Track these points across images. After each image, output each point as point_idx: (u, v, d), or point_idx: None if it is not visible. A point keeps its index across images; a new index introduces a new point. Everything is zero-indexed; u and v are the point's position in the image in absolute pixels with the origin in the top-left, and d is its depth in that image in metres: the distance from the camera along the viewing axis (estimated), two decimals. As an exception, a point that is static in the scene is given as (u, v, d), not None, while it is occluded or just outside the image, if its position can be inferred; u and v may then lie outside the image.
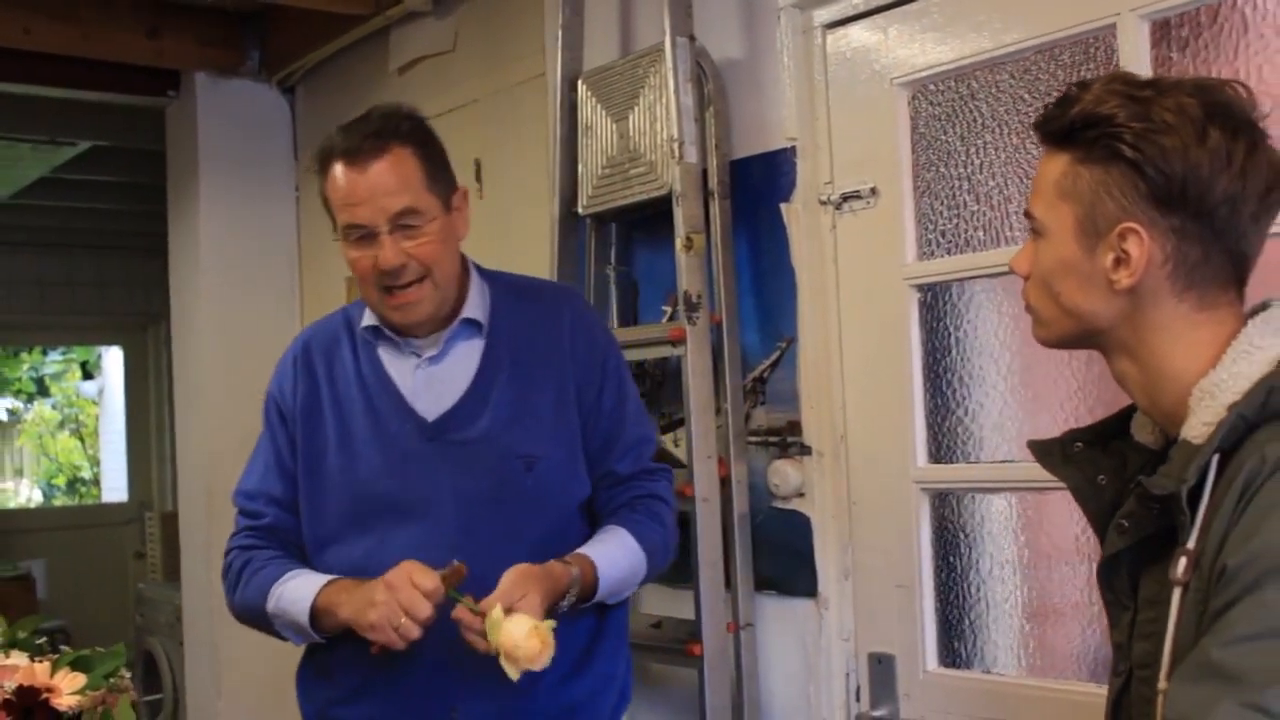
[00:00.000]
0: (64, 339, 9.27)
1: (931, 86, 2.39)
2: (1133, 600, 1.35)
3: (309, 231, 4.36)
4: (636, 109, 2.72)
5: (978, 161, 2.32)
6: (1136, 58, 2.05)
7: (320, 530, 2.11)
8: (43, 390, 10.01)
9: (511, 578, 1.89)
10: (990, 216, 2.30)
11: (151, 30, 3.98)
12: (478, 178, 3.46)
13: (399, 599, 1.85)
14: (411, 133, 2.03)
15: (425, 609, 1.85)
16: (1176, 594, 1.23)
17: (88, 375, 9.78)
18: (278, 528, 2.14)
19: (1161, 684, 1.23)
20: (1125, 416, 1.45)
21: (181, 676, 4.93)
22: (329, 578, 2.04)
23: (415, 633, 1.86)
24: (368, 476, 2.07)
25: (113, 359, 9.08)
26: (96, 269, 7.96)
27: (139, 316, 8.15)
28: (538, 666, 1.82)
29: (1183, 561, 1.23)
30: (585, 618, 2.09)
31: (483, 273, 2.19)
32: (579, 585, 1.99)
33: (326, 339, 2.20)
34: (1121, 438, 1.44)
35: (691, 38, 2.62)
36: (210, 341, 4.28)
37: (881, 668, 2.45)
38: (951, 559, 2.41)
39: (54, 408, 10.18)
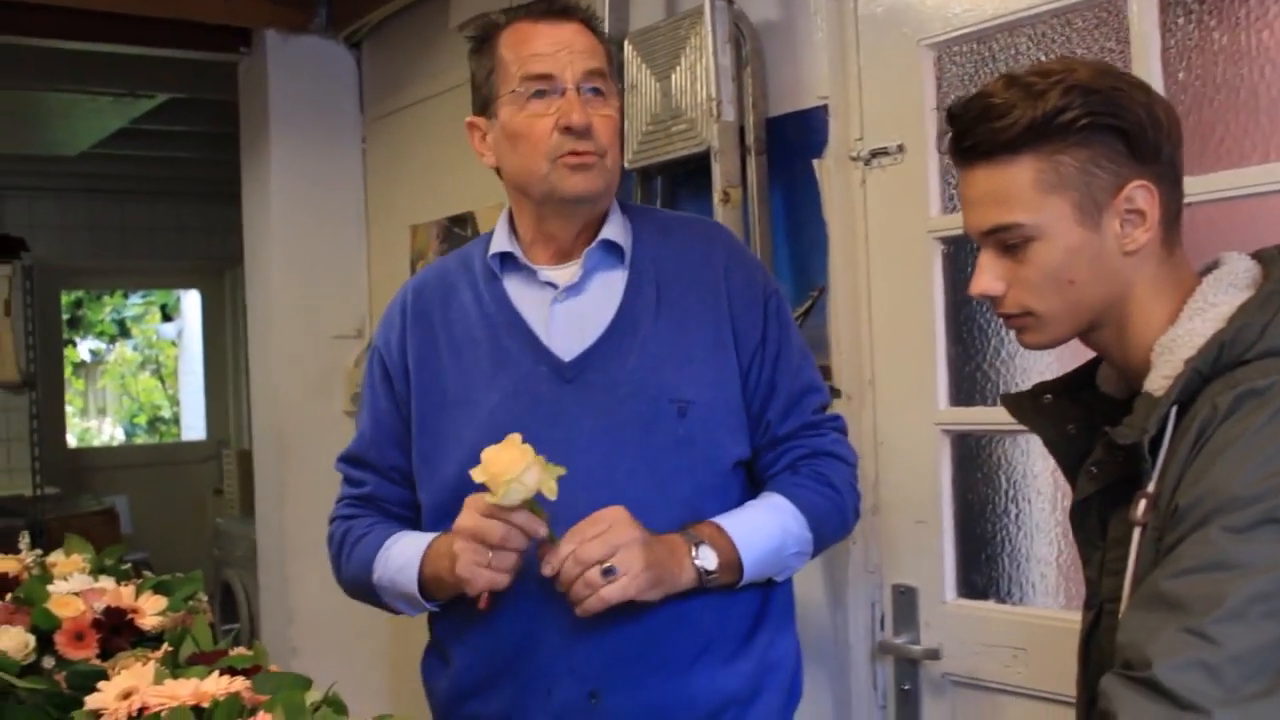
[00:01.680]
0: (144, 283, 9.56)
1: (955, 48, 2.50)
2: (1102, 540, 1.45)
3: (374, 182, 4.53)
4: (679, 68, 2.85)
5: (997, 121, 2.43)
6: (1145, 22, 2.15)
7: (440, 495, 1.89)
8: (124, 332, 10.30)
9: (596, 519, 1.70)
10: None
11: (225, -10, 4.16)
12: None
13: (472, 533, 1.69)
14: (594, 23, 1.94)
15: (495, 530, 1.66)
16: (1136, 533, 1.34)
17: (167, 318, 10.05)
18: (376, 497, 1.99)
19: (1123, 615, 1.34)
20: (1091, 369, 1.56)
21: (257, 607, 5.17)
22: (431, 536, 1.86)
23: (508, 561, 1.69)
24: (495, 424, 1.77)
25: (191, 302, 9.35)
26: (175, 215, 8.23)
27: (216, 261, 8.41)
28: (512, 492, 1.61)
29: (1142, 503, 1.34)
30: (743, 595, 1.87)
31: (621, 203, 2.01)
32: (712, 559, 1.77)
33: (441, 281, 2.00)
34: (1088, 388, 1.54)
35: (730, 1, 2.75)
36: (281, 286, 4.47)
37: (904, 598, 2.60)
38: (970, 497, 2.55)
39: (135, 349, 10.48)
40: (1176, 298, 1.41)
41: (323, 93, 4.46)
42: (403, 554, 1.89)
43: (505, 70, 1.86)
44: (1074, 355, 1.65)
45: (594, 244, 1.91)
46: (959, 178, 1.45)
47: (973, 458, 2.57)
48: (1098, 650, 1.45)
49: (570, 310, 1.90)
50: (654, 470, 1.83)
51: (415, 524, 1.97)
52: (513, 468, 1.61)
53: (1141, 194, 1.38)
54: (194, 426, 9.37)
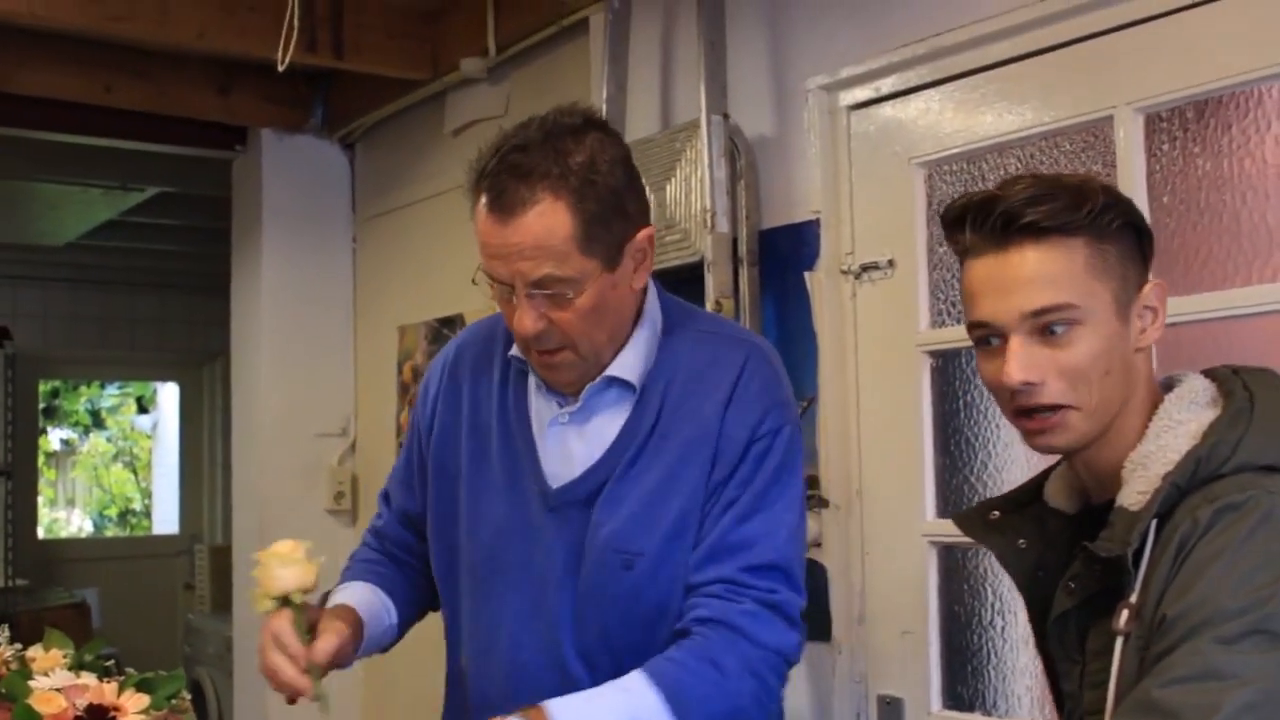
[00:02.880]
0: (122, 374, 9.53)
1: (946, 167, 2.57)
2: (1081, 653, 1.47)
3: (364, 282, 4.58)
4: (674, 180, 2.92)
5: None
6: (1131, 147, 2.22)
7: (440, 568, 1.91)
8: (98, 423, 10.27)
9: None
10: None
11: (222, 89, 4.23)
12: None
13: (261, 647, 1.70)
14: (573, 173, 1.64)
15: (267, 655, 1.67)
16: (1119, 643, 1.37)
17: (143, 410, 10.03)
18: (386, 534, 2.02)
19: None
20: (1038, 484, 1.59)
21: (229, 706, 5.10)
22: (352, 596, 1.87)
23: (279, 679, 1.68)
24: (493, 530, 1.81)
25: (168, 394, 9.32)
26: (156, 307, 8.25)
27: (196, 354, 8.42)
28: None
29: (1125, 613, 1.36)
30: None
31: (667, 310, 1.85)
32: None
33: (480, 349, 1.91)
34: (1034, 504, 1.58)
35: (725, 115, 2.82)
36: (267, 382, 4.49)
37: (890, 709, 2.60)
38: (956, 608, 2.56)
39: (109, 440, 10.43)
40: (1145, 412, 1.46)
41: (316, 192, 4.53)
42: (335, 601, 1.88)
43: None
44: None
45: (598, 380, 1.78)
46: (988, 263, 1.43)
47: (959, 569, 2.59)
48: None
49: (569, 435, 1.80)
50: (604, 621, 1.75)
51: (417, 568, 1.99)
52: (262, 575, 1.65)
53: (1158, 292, 1.44)
54: (166, 520, 9.27)
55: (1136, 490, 1.40)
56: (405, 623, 1.99)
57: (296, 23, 2.95)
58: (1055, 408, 1.41)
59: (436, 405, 1.92)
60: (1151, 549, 1.36)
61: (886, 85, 2.64)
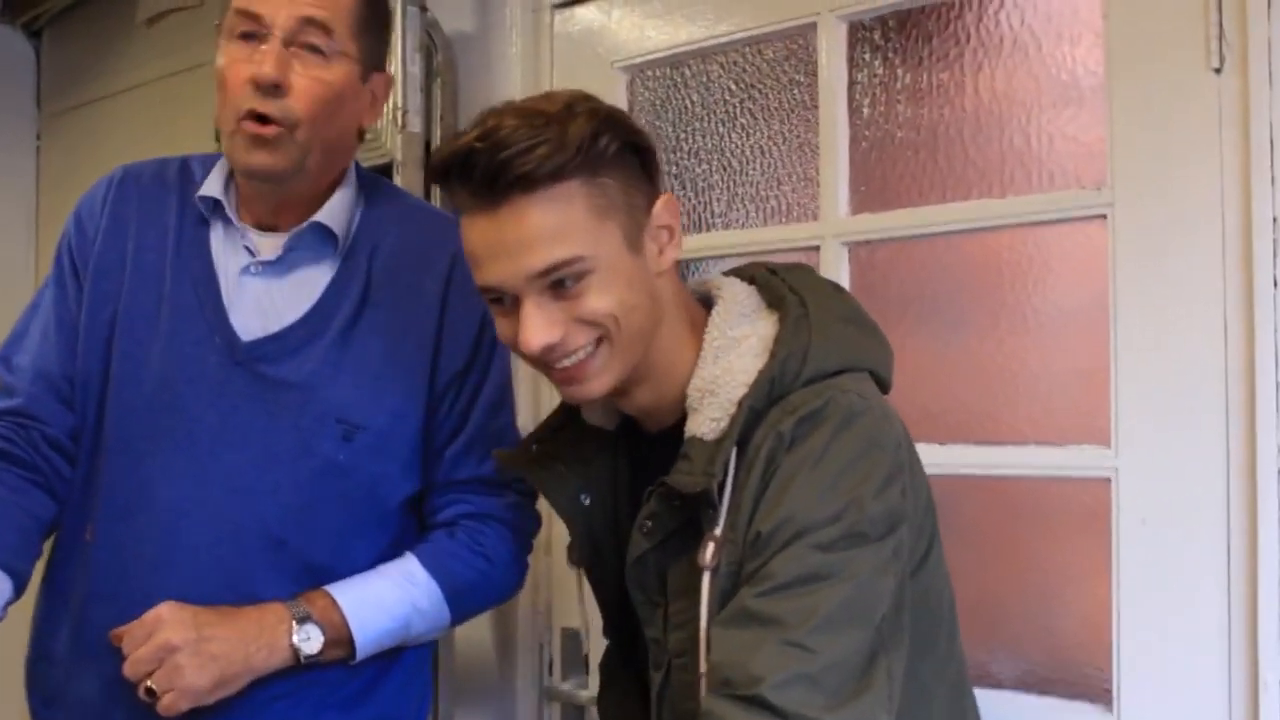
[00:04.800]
0: None
1: (649, 72, 2.43)
2: (663, 596, 1.38)
3: (50, 184, 4.18)
4: (367, 75, 2.69)
5: (686, 148, 2.36)
6: (834, 56, 2.12)
7: (74, 430, 1.69)
8: None
9: (144, 622, 1.52)
10: (695, 203, 2.34)
11: (-115, -39, 3.78)
12: (219, 142, 3.36)
13: None
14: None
15: None
16: (706, 578, 1.29)
17: None
18: (34, 416, 1.67)
19: (702, 667, 1.29)
20: (571, 408, 1.50)
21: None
22: None
23: None
24: (154, 384, 1.63)
25: None
26: None
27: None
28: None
29: (711, 547, 1.29)
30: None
31: (364, 182, 1.76)
32: (317, 639, 1.58)
33: (154, 180, 1.75)
34: (571, 425, 1.50)
35: (423, 8, 2.61)
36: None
37: (573, 642, 2.48)
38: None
39: None
40: (691, 328, 1.39)
41: (-5, 82, 4.10)
42: None
43: (229, 4, 1.62)
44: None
45: (302, 226, 1.67)
46: (483, 225, 1.29)
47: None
48: (670, 710, 1.40)
49: (263, 288, 1.67)
50: (302, 492, 1.62)
51: (49, 481, 1.69)
52: None
53: (669, 207, 1.36)
54: None
55: (709, 417, 1.32)
56: (19, 583, 1.61)
57: None
58: (583, 353, 1.33)
59: (99, 234, 1.70)
60: (734, 475, 1.30)
61: (592, -17, 2.49)
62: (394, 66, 2.58)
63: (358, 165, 1.77)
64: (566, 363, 1.33)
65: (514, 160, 1.24)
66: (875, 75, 2.12)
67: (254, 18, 1.58)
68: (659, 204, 1.35)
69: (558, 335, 1.30)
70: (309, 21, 1.58)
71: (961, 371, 1.99)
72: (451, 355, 1.69)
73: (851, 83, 2.13)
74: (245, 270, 1.67)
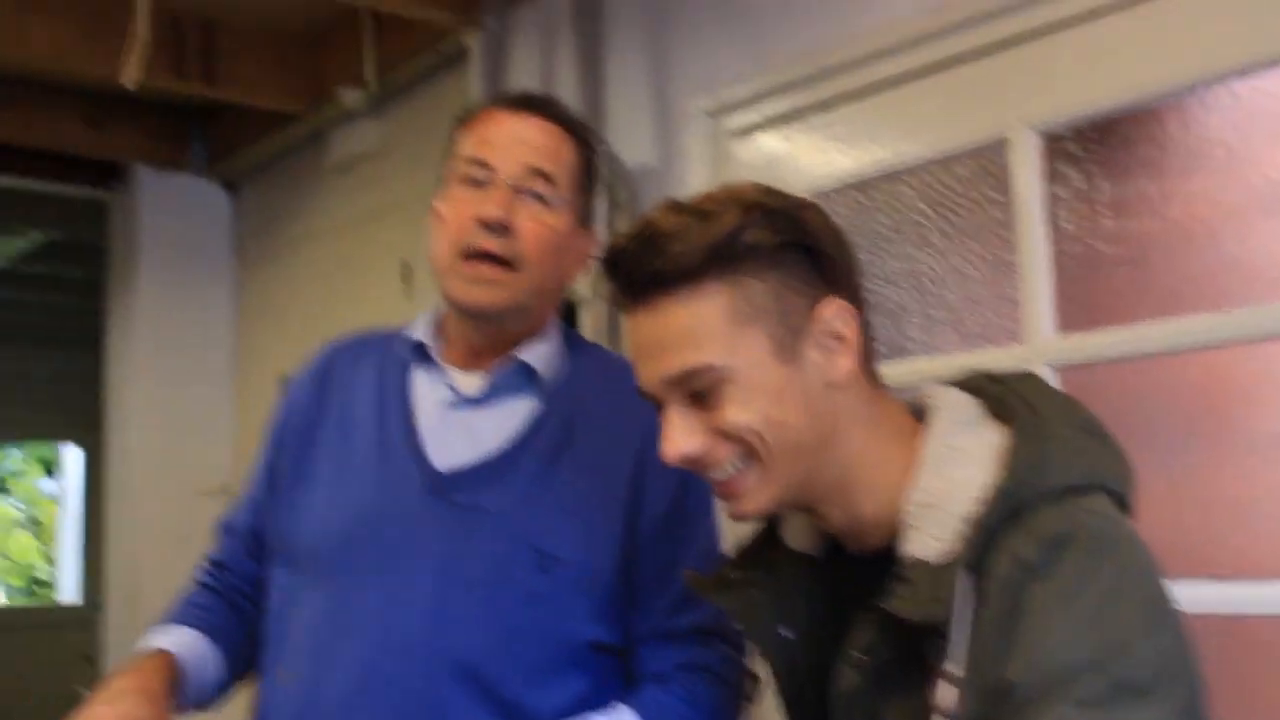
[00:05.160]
0: (18, 435, 9.19)
1: (838, 197, 2.37)
2: None
3: (246, 329, 4.32)
4: (549, 211, 2.70)
5: (877, 272, 2.28)
6: (1029, 170, 2.03)
7: (272, 574, 1.73)
8: (2, 487, 9.91)
9: None
10: (889, 328, 2.26)
11: (93, 121, 3.98)
12: (405, 279, 3.43)
13: None
14: (581, 125, 1.73)
15: None
16: None
17: (49, 473, 9.69)
18: (227, 565, 1.79)
19: None
20: (770, 529, 1.36)
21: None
22: (173, 640, 1.68)
23: None
24: (351, 512, 1.66)
25: (73, 457, 9.00)
26: (56, 364, 7.90)
27: (98, 414, 8.08)
28: None
29: (948, 689, 1.13)
30: None
31: (571, 338, 1.79)
32: None
33: (356, 348, 1.82)
34: (769, 548, 1.35)
35: (602, 142, 2.61)
36: (142, 437, 4.23)
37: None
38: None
39: (15, 507, 10.08)
40: (898, 441, 1.24)
41: (196, 234, 4.28)
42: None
43: (456, 153, 1.69)
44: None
45: (508, 365, 1.67)
46: (631, 323, 1.23)
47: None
48: None
49: (465, 422, 1.67)
50: (498, 621, 1.57)
51: (254, 614, 1.76)
52: None
53: (841, 314, 1.20)
54: (71, 589, 8.91)
55: (932, 536, 1.16)
56: (233, 678, 1.72)
57: (142, 31, 2.69)
58: (733, 469, 1.21)
59: (296, 415, 1.77)
60: (967, 605, 1.14)
61: (772, 108, 2.45)
62: (576, 201, 2.58)
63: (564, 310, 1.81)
64: (716, 476, 1.23)
65: (650, 257, 1.18)
66: (1075, 188, 2.02)
67: (483, 164, 1.63)
68: (825, 308, 1.19)
69: (697, 447, 1.20)
70: (536, 171, 1.63)
71: (1188, 500, 1.84)
72: (654, 500, 1.63)
73: (1049, 197, 2.03)
74: (448, 405, 1.69)
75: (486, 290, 1.61)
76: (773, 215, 1.19)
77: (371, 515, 1.64)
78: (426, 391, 1.71)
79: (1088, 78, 1.96)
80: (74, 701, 1.58)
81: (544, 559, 1.58)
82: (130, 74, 2.74)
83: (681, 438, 1.20)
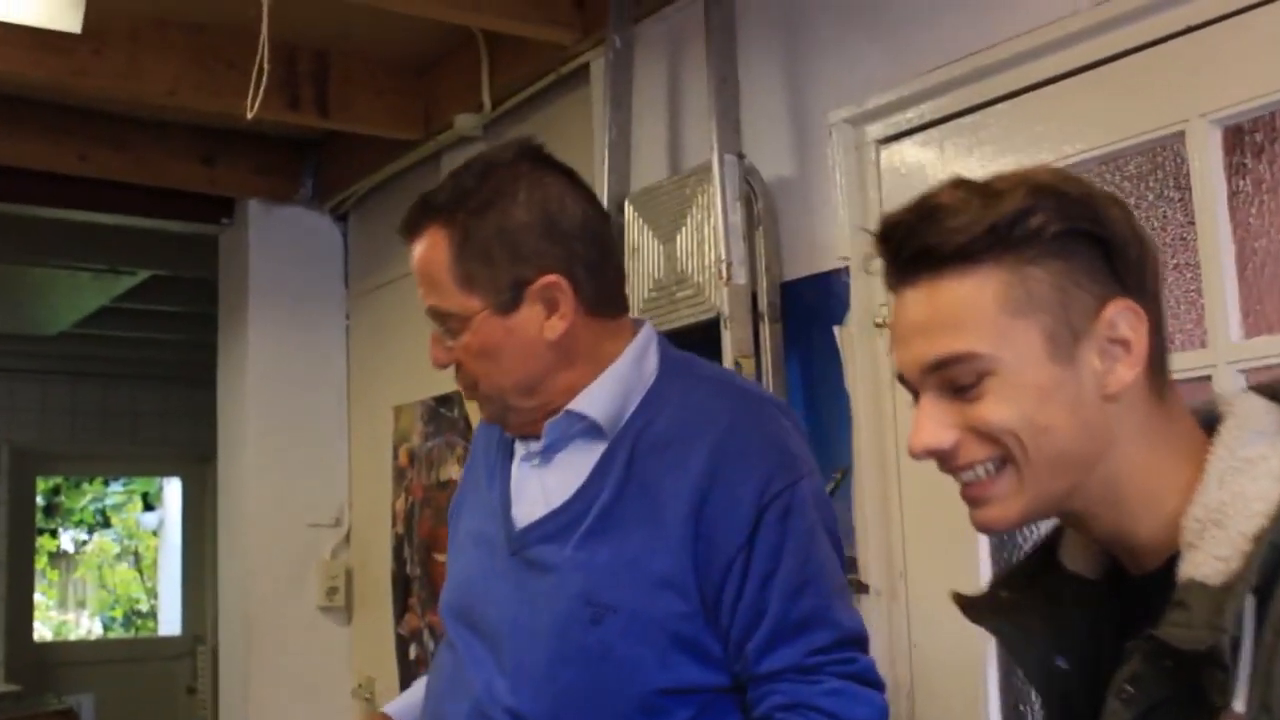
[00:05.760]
0: (124, 470, 9.27)
1: (991, 202, 2.28)
2: None
3: (358, 361, 4.29)
4: (684, 229, 2.63)
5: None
6: (1209, 164, 1.93)
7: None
8: (104, 521, 9.99)
9: None
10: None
11: (205, 158, 3.98)
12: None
13: None
14: (460, 203, 1.62)
15: None
16: None
17: (149, 507, 9.76)
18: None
19: None
20: (1049, 547, 1.25)
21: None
22: (396, 704, 1.86)
23: None
24: (462, 580, 1.74)
25: (173, 490, 9.07)
26: (159, 400, 7.97)
27: (199, 448, 8.10)
28: None
29: None
30: None
31: (665, 363, 1.71)
32: None
33: None
34: (1049, 573, 1.24)
35: (740, 155, 2.54)
36: (255, 469, 4.21)
37: (946, 826, 2.26)
38: (1021, 708, 2.22)
39: (115, 539, 10.17)
40: (1182, 455, 1.13)
41: (306, 266, 4.27)
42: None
43: None
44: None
45: (558, 416, 1.65)
46: (894, 303, 1.15)
47: (1022, 662, 2.25)
48: None
49: (539, 477, 1.68)
50: (558, 679, 1.57)
51: None
52: None
53: (1128, 317, 1.10)
54: (172, 621, 8.97)
55: (1214, 555, 1.05)
56: None
57: (266, 65, 2.66)
58: (984, 471, 1.11)
59: (462, 481, 1.89)
60: (1255, 633, 1.02)
61: (919, 114, 2.36)
62: (714, 219, 2.51)
63: (664, 346, 1.72)
64: (965, 478, 1.13)
65: (924, 231, 1.10)
66: (1261, 181, 1.91)
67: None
68: (1112, 310, 1.09)
69: (946, 441, 1.12)
70: (431, 312, 1.65)
71: None
72: (726, 532, 1.55)
73: (1233, 192, 1.93)
74: (524, 460, 1.71)
75: (483, 410, 1.71)
76: (1065, 201, 1.09)
77: (477, 577, 1.71)
78: (519, 449, 1.74)
79: (1269, 64, 1.86)
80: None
81: (597, 611, 1.55)
82: (251, 107, 2.71)
83: (931, 430, 1.11)
